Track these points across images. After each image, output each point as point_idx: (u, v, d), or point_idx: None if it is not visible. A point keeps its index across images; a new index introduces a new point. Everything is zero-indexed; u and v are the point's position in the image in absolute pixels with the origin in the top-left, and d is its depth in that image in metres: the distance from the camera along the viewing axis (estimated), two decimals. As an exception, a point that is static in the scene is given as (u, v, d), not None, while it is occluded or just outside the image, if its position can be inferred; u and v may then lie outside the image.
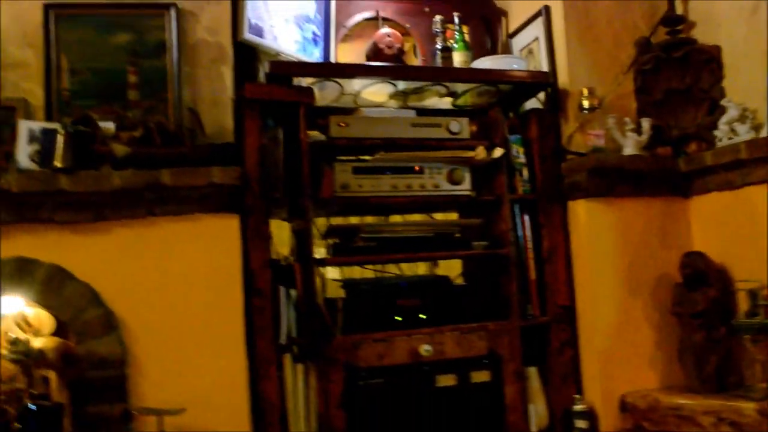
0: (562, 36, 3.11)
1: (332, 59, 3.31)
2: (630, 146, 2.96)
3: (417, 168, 2.86)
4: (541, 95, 3.15)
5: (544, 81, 3.07)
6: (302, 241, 2.64)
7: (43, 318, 2.63)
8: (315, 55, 3.24)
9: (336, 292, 2.90)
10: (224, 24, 2.66)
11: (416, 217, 3.32)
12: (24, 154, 2.38)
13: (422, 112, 3.10)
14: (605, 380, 2.87)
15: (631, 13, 3.23)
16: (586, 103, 2.97)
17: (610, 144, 2.98)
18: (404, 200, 2.86)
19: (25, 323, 2.61)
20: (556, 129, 3.09)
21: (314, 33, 3.26)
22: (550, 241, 2.98)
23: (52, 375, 2.58)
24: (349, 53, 3.45)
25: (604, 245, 2.90)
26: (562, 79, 3.09)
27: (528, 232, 2.99)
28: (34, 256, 2.36)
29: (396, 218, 3.32)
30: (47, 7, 2.52)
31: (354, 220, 3.30)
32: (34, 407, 2.36)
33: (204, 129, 2.50)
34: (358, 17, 3.47)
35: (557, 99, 3.10)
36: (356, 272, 3.17)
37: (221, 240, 2.49)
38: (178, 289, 2.45)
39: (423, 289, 2.87)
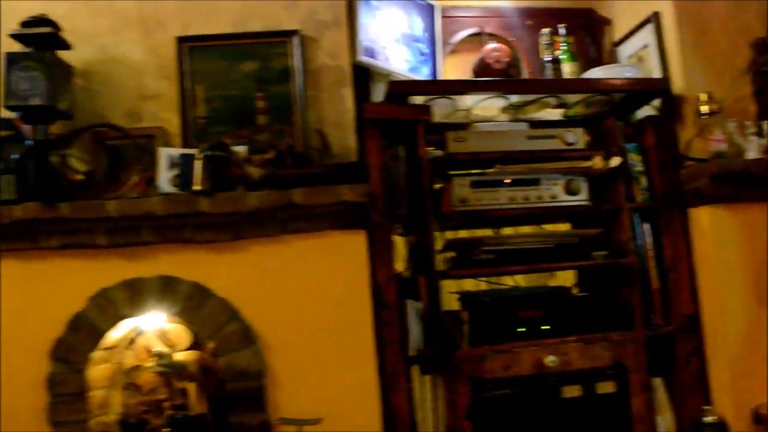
0: (674, 41, 3.06)
1: (439, 76, 3.37)
2: (753, 150, 2.88)
3: (534, 180, 2.87)
4: (656, 102, 3.10)
5: (660, 88, 3.03)
6: (425, 254, 2.69)
7: (180, 333, 2.78)
8: (424, 73, 3.30)
9: (452, 304, 2.93)
10: (343, 48, 2.76)
11: (526, 229, 3.33)
12: (165, 179, 2.53)
13: (535, 124, 3.11)
14: (737, 391, 2.78)
15: (745, 14, 3.15)
16: (705, 108, 2.91)
17: (731, 149, 2.90)
18: (522, 212, 2.87)
19: (165, 338, 2.76)
20: (673, 136, 3.03)
21: (422, 51, 3.33)
22: (672, 249, 2.93)
23: (190, 387, 2.72)
24: (455, 69, 3.50)
25: (730, 252, 2.83)
26: (677, 84, 3.04)
27: (649, 241, 2.94)
28: (177, 275, 2.50)
29: (507, 230, 3.33)
30: (180, 41, 2.68)
31: (463, 233, 3.33)
32: (181, 417, 2.48)
33: (331, 149, 2.60)
34: (463, 34, 3.52)
35: (673, 105, 3.04)
36: (468, 285, 3.19)
37: (350, 255, 2.57)
38: (310, 303, 2.54)
39: (544, 300, 2.86)
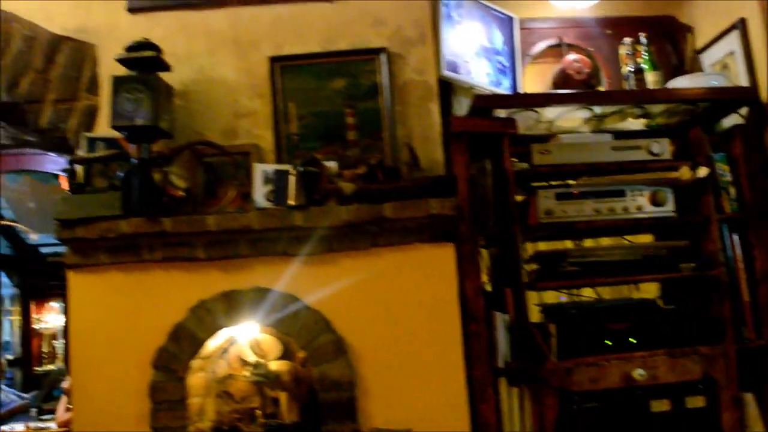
0: (762, 48, 3.00)
1: (520, 88, 3.39)
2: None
3: (619, 191, 2.86)
4: (743, 110, 3.05)
5: (748, 96, 2.98)
6: (511, 266, 2.72)
7: (272, 343, 2.87)
8: (504, 85, 3.33)
9: (535, 316, 2.94)
10: (429, 64, 2.82)
11: (610, 241, 3.30)
12: (260, 194, 2.62)
13: (618, 134, 3.10)
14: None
15: (837, 18, 3.06)
16: (797, 116, 2.85)
17: (823, 157, 2.84)
18: (607, 224, 2.86)
19: (257, 348, 2.86)
20: (762, 145, 2.98)
21: (502, 64, 3.36)
22: (763, 261, 2.87)
23: (282, 396, 2.80)
24: (535, 80, 3.51)
25: (827, 264, 2.75)
26: (766, 92, 2.98)
27: (739, 252, 2.89)
28: (271, 286, 2.59)
29: (591, 242, 3.31)
30: (272, 60, 2.78)
31: (542, 245, 3.33)
32: (276, 425, 2.57)
33: (419, 163, 2.65)
34: (542, 45, 3.52)
35: (761, 114, 2.99)
36: (549, 297, 3.18)
37: (438, 268, 2.61)
38: (400, 315, 2.59)
39: (631, 312, 2.85)
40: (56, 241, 2.69)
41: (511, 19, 3.44)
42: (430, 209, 2.54)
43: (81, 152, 2.75)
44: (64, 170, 2.69)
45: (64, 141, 2.90)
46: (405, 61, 2.80)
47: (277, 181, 2.60)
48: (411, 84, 2.79)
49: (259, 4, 2.83)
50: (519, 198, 2.86)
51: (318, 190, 2.57)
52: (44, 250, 8.60)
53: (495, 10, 3.38)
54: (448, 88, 3.07)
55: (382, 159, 2.64)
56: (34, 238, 7.90)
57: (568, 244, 3.24)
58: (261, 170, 2.64)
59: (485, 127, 2.78)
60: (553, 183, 3.03)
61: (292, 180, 2.55)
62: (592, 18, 3.54)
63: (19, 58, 2.87)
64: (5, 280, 9.27)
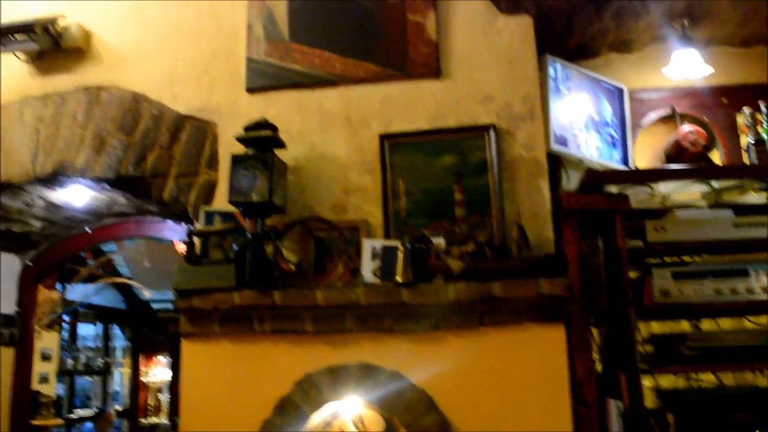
0: None
1: (631, 160, 3.30)
2: None
3: (742, 271, 2.69)
4: None
5: None
6: (625, 349, 2.59)
7: (374, 419, 2.84)
8: (615, 158, 3.26)
9: (651, 402, 2.78)
10: (538, 139, 2.79)
11: (727, 323, 3.10)
12: (368, 269, 2.64)
13: (739, 209, 2.93)
14: None
15: None
16: None
17: None
18: (728, 305, 2.69)
19: (360, 423, 2.84)
20: None
21: (612, 136, 3.29)
22: None
23: (383, 474, 2.75)
24: (647, 151, 3.42)
25: None
26: None
27: None
28: (377, 363, 2.58)
29: (708, 323, 3.13)
30: (382, 138, 2.84)
31: (657, 326, 3.18)
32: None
33: (528, 241, 2.60)
34: (653, 116, 3.43)
35: None
36: (665, 381, 3.01)
37: (548, 349, 2.53)
38: (507, 397, 2.51)
39: (758, 402, 2.64)
40: (167, 298, 2.79)
41: (620, 90, 3.39)
42: (540, 289, 2.48)
43: (199, 225, 2.87)
44: (183, 241, 2.81)
45: (184, 213, 3.05)
46: (513, 137, 2.79)
47: (385, 257, 2.62)
48: (520, 160, 2.77)
49: (369, 83, 2.91)
50: (632, 275, 2.75)
51: (426, 267, 2.56)
52: (155, 305, 9.00)
53: (604, 82, 3.33)
54: (557, 162, 3.03)
55: (491, 236, 2.62)
56: (146, 294, 8.29)
57: (685, 324, 3.08)
58: (369, 245, 2.67)
59: (596, 203, 2.70)
60: (669, 260, 2.90)
61: (399, 256, 2.56)
62: (706, 87, 3.42)
63: (147, 136, 3.07)
64: (118, 332, 9.74)
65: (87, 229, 4.02)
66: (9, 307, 4.11)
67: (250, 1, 3.07)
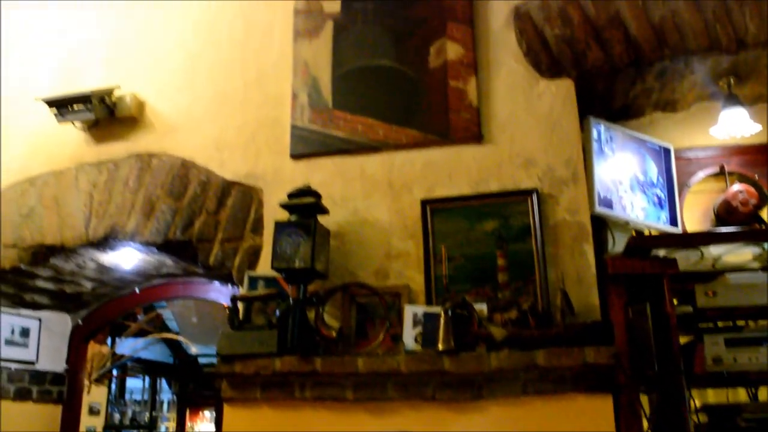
0: None
1: (679, 221, 3.23)
2: None
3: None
4: None
5: None
6: (677, 420, 2.50)
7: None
8: (662, 219, 3.19)
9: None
10: (582, 203, 2.76)
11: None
12: (410, 336, 2.62)
13: (794, 273, 2.84)
14: None
15: None
16: None
17: None
18: (787, 375, 2.58)
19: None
20: None
21: (658, 196, 3.24)
22: None
23: None
24: (695, 210, 3.35)
25: None
26: None
27: None
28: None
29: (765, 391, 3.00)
30: (424, 203, 2.85)
31: (711, 394, 3.06)
32: None
33: (573, 308, 2.55)
34: (701, 174, 3.37)
35: None
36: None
37: (595, 420, 2.45)
38: (554, 471, 2.43)
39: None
40: (213, 353, 2.80)
41: (666, 149, 3.34)
42: (586, 358, 2.42)
43: (243, 289, 2.91)
44: (227, 307, 2.85)
45: (230, 275, 3.09)
46: (556, 201, 2.77)
47: (427, 324, 2.60)
48: (563, 225, 2.74)
49: (411, 149, 2.94)
50: (683, 342, 2.66)
51: (468, 334, 2.53)
52: (202, 360, 9.08)
53: (649, 142, 3.30)
54: (602, 225, 2.99)
55: (534, 303, 2.58)
56: (193, 349, 8.38)
57: (741, 392, 2.96)
58: (411, 312, 2.65)
59: (643, 268, 2.65)
60: (721, 326, 2.81)
61: (441, 323, 2.54)
62: (756, 144, 3.35)
63: (195, 201, 3.15)
64: (165, 387, 9.84)
65: (136, 289, 4.11)
66: (59, 365, 4.20)
67: (295, 71, 3.15)
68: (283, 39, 3.27)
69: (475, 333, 2.54)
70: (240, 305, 2.79)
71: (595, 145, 3.04)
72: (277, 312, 2.71)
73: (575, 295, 2.62)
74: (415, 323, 2.64)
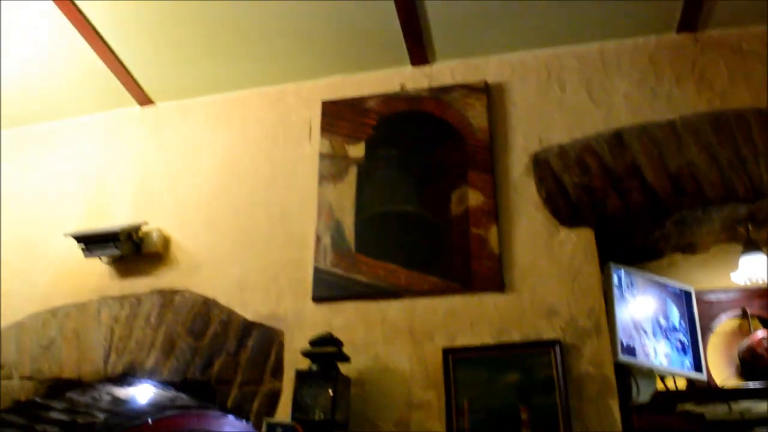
0: None
1: (703, 365, 3.19)
2: None
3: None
4: None
5: None
6: None
7: None
8: (686, 365, 3.15)
9: None
10: (605, 355, 2.72)
11: None
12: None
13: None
14: None
15: None
16: None
17: None
18: None
19: None
20: None
21: (681, 341, 3.21)
22: None
23: None
24: (719, 354, 3.32)
25: None
26: None
27: None
28: None
29: None
30: (446, 352, 2.83)
31: None
32: None
33: (600, 469, 2.49)
34: (724, 317, 3.36)
35: None
36: None
37: None
38: None
39: None
40: None
41: (687, 293, 3.34)
42: None
43: (261, 436, 2.86)
44: (245, 454, 2.79)
45: (245, 414, 3.04)
46: (580, 352, 2.74)
47: (449, 481, 2.53)
48: (587, 378, 2.70)
49: (433, 296, 2.94)
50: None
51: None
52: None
53: (670, 285, 3.31)
54: (626, 372, 2.95)
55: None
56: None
57: None
58: (432, 467, 2.58)
59: (671, 424, 2.60)
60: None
61: (464, 482, 2.47)
62: (778, 286, 3.35)
63: (215, 341, 3.15)
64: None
65: (149, 420, 4.04)
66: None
67: (319, 213, 3.22)
68: (308, 181, 3.35)
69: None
70: (258, 454, 2.74)
71: (616, 291, 3.05)
72: (296, 463, 2.65)
73: (602, 453, 2.55)
74: (437, 479, 2.57)
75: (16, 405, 3.45)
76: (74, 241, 3.48)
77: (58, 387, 3.41)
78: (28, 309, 3.60)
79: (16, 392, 3.43)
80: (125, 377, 3.29)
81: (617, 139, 3.06)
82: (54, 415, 3.69)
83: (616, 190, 2.98)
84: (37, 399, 3.44)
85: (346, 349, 2.79)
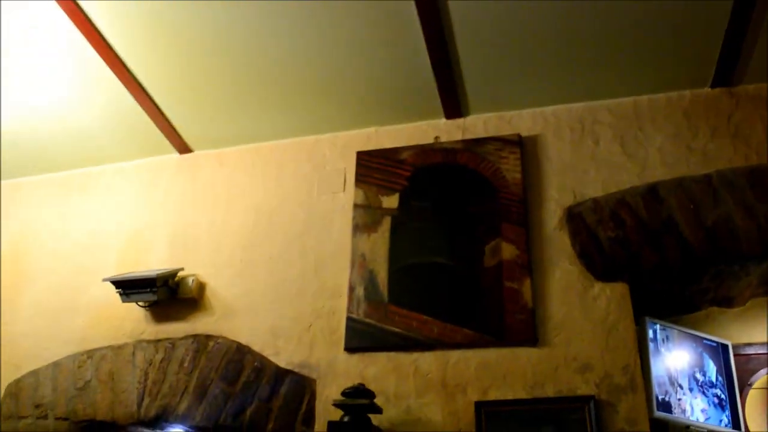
0: None
1: (741, 422, 3.13)
2: None
3: None
4: None
5: None
6: None
7: None
8: (723, 421, 3.11)
9: None
10: (641, 413, 2.68)
11: None
12: None
13: None
14: None
15: None
16: None
17: None
18: None
19: None
20: None
21: (719, 396, 3.16)
22: None
23: None
24: (758, 410, 3.25)
25: None
26: None
27: None
28: None
29: None
30: (478, 405, 2.81)
31: None
32: None
33: None
34: (762, 372, 3.30)
35: None
36: None
37: None
38: None
39: None
40: None
41: (725, 346, 3.29)
42: None
43: (292, 486, 2.85)
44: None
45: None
46: (615, 409, 2.70)
47: None
48: (622, 438, 2.66)
49: (466, 348, 2.94)
50: None
51: None
52: None
53: (706, 339, 3.26)
54: (661, 428, 2.90)
55: None
56: None
57: None
58: None
59: (709, 487, 2.54)
60: None
61: None
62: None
63: (248, 388, 3.17)
64: None
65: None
66: None
67: (353, 263, 3.25)
68: (342, 231, 3.39)
69: None
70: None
71: (651, 346, 3.02)
72: None
73: None
74: None
75: (50, 447, 3.50)
76: (112, 286, 3.55)
77: (92, 429, 3.45)
78: (65, 351, 3.67)
79: (52, 435, 3.48)
80: (158, 421, 3.31)
81: (652, 193, 3.05)
82: (86, 457, 3.72)
83: (651, 244, 2.97)
84: (72, 440, 3.48)
85: (378, 400, 2.80)
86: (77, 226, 4.06)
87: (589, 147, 3.26)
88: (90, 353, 3.61)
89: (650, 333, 3.06)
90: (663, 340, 3.10)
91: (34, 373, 3.67)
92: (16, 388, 3.68)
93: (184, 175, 3.96)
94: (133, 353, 3.52)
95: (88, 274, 3.83)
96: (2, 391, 3.68)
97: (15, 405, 3.63)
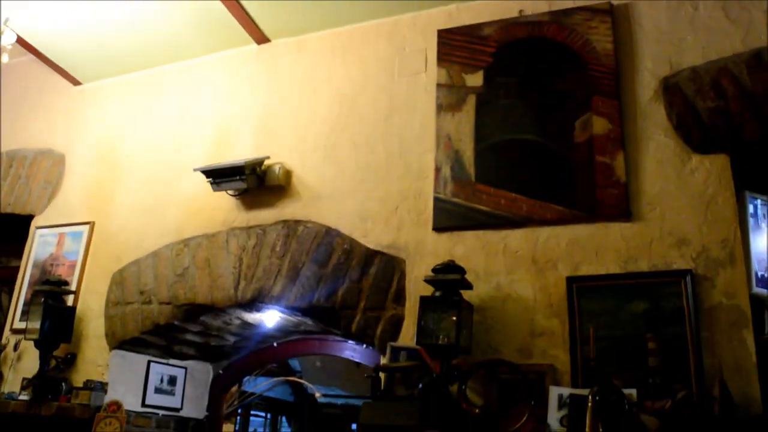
0: None
1: (844, 300, 3.01)
2: None
3: None
4: None
5: None
6: None
7: None
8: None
9: None
10: (741, 287, 2.62)
11: None
12: (554, 418, 2.58)
13: None
14: None
15: None
16: None
17: None
18: None
19: None
20: None
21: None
22: None
23: None
24: None
25: None
26: None
27: None
28: None
29: None
30: (570, 280, 2.80)
31: None
32: None
33: (732, 400, 2.42)
34: None
35: None
36: None
37: None
38: None
39: None
40: (332, 394, 2.83)
41: (829, 218, 3.13)
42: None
43: (385, 359, 2.96)
44: (368, 376, 2.90)
45: (366, 339, 3.16)
46: (712, 283, 2.64)
47: (573, 407, 2.54)
48: (720, 309, 2.61)
49: (556, 225, 2.91)
50: None
51: (617, 422, 2.45)
52: (321, 400, 9.27)
53: (810, 213, 3.11)
54: (760, 305, 2.83)
55: (689, 393, 2.46)
56: (317, 395, 8.56)
57: None
58: (556, 393, 2.61)
59: (811, 357, 2.48)
60: None
61: (588, 409, 2.47)
62: None
63: (338, 269, 3.26)
64: (284, 423, 10.08)
65: (274, 343, 4.27)
66: (200, 412, 4.40)
67: (438, 144, 3.22)
68: (426, 113, 3.35)
69: (625, 422, 2.45)
70: (381, 375, 2.85)
71: (751, 221, 2.90)
72: (420, 385, 2.73)
73: (733, 385, 2.48)
74: (560, 405, 2.59)
75: (155, 328, 3.73)
76: (203, 177, 3.65)
77: (192, 312, 3.65)
78: (162, 242, 3.84)
79: (155, 316, 3.71)
80: (254, 303, 3.47)
81: (757, 59, 2.85)
82: (189, 337, 3.96)
83: (755, 114, 2.80)
84: (175, 322, 3.70)
85: (467, 277, 2.83)
86: (162, 123, 4.16)
87: (687, 12, 3.05)
88: (186, 242, 3.78)
89: (750, 208, 2.93)
90: (764, 216, 2.97)
91: (136, 263, 3.88)
92: (120, 278, 3.91)
93: (265, 65, 3.96)
94: (227, 240, 3.65)
95: (178, 169, 3.95)
96: (108, 281, 3.92)
97: (121, 292, 3.87)
